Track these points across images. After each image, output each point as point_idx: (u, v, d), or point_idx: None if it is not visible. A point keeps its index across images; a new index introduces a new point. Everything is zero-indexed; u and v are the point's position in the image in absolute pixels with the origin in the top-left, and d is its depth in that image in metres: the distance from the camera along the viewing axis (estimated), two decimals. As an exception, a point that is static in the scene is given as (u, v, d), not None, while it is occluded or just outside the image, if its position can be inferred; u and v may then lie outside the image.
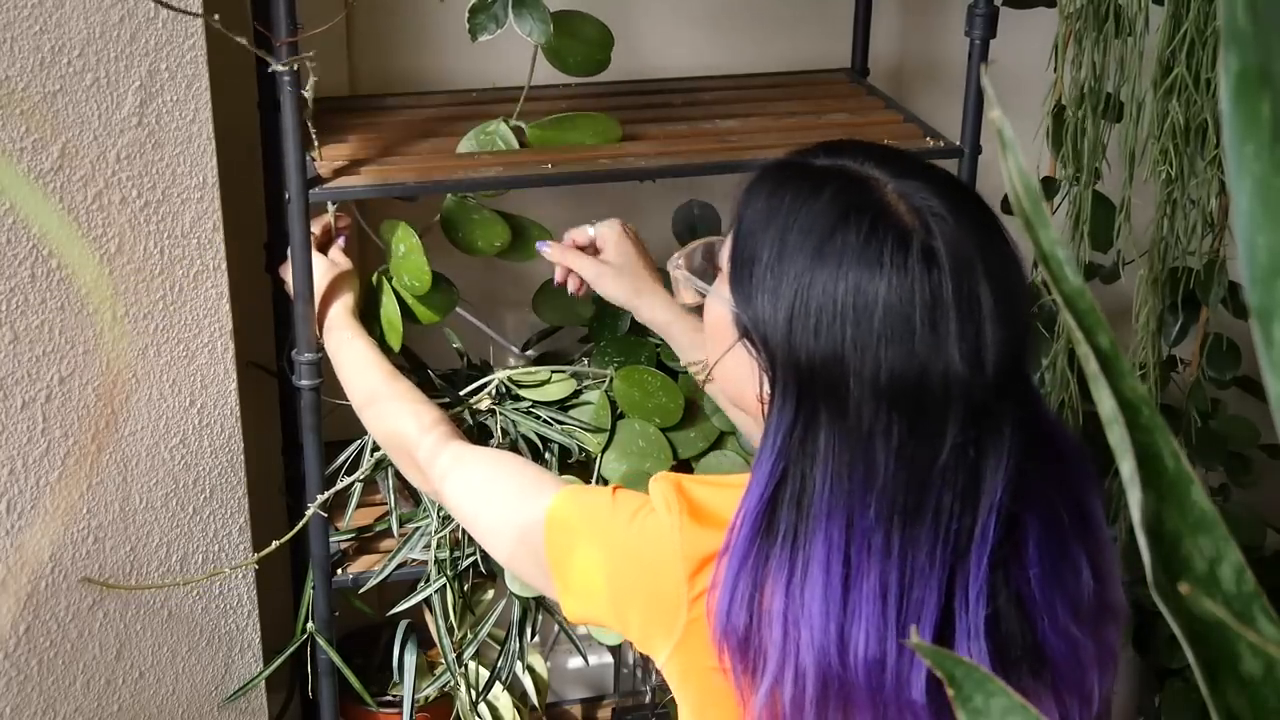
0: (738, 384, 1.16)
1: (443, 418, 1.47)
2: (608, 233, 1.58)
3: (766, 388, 1.10)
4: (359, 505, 1.70)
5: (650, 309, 1.55)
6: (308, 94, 1.47)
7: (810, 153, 1.15)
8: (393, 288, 1.63)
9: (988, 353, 1.04)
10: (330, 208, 1.65)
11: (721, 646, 1.08)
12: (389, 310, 1.62)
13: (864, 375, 1.03)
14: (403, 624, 1.75)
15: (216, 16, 1.39)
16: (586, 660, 1.99)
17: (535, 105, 1.75)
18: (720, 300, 1.15)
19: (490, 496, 1.33)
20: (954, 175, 1.12)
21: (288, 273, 1.57)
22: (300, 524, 1.61)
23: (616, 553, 1.17)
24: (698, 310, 1.24)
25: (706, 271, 1.22)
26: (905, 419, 1.04)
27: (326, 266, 1.59)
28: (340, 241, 1.66)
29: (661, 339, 1.61)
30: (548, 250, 1.59)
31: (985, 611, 1.05)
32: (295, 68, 1.44)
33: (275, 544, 1.63)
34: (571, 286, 1.60)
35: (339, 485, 1.65)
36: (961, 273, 1.04)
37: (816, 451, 1.06)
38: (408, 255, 1.61)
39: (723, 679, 1.10)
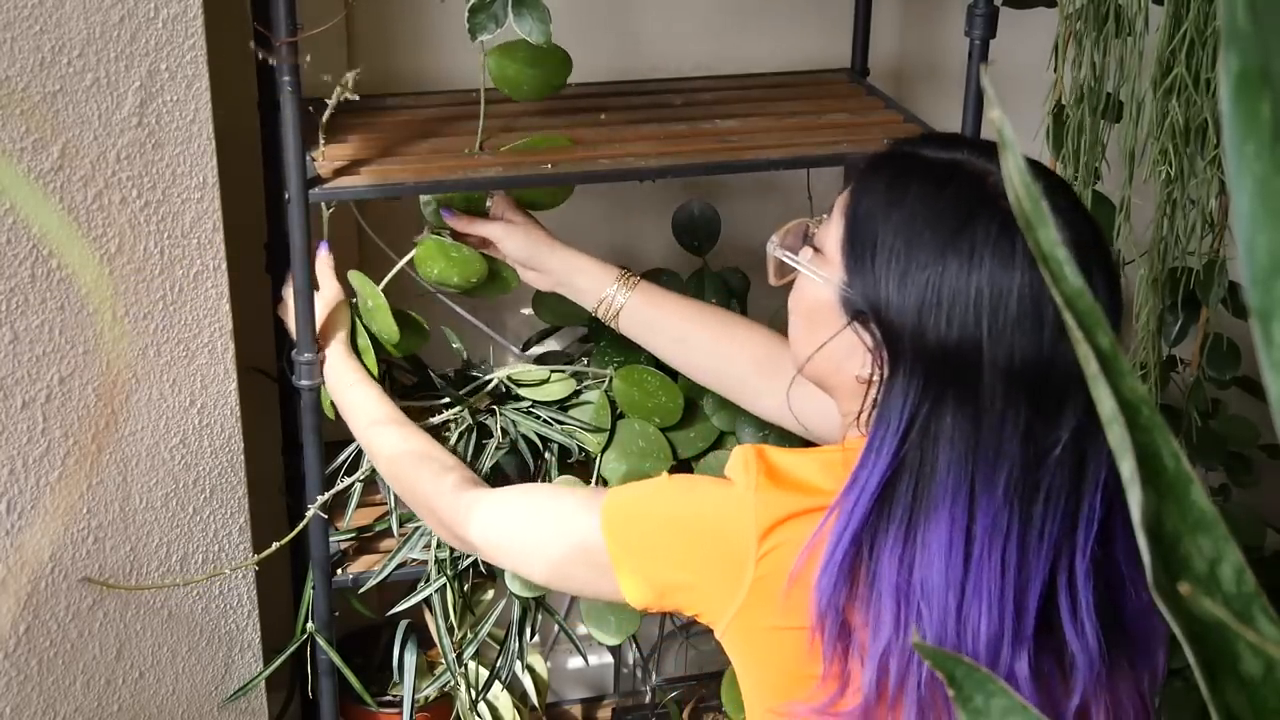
0: (834, 364, 1.19)
1: (458, 463, 1.48)
2: (503, 200, 1.65)
3: (869, 369, 1.15)
4: (359, 505, 1.70)
5: (559, 258, 1.60)
6: (330, 102, 1.48)
7: (919, 143, 1.20)
8: (363, 324, 1.63)
9: None
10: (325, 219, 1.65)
11: (821, 620, 1.11)
12: (362, 342, 1.62)
13: (997, 362, 1.08)
14: (403, 624, 1.75)
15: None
16: (586, 660, 1.99)
17: (536, 105, 1.75)
18: (826, 282, 1.18)
19: (530, 517, 1.34)
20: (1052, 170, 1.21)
21: (288, 315, 1.59)
22: (301, 525, 1.61)
23: (679, 523, 1.20)
24: (784, 289, 1.28)
25: (798, 248, 1.25)
26: (1031, 403, 1.09)
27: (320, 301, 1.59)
28: (322, 251, 1.64)
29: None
30: (450, 217, 1.64)
31: (1092, 587, 1.10)
32: (297, 68, 1.44)
33: (276, 545, 1.63)
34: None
35: (339, 485, 1.65)
36: (1083, 266, 1.09)
37: (941, 433, 1.10)
38: (376, 310, 1.61)
39: (785, 637, 1.13)
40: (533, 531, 1.32)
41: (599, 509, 1.24)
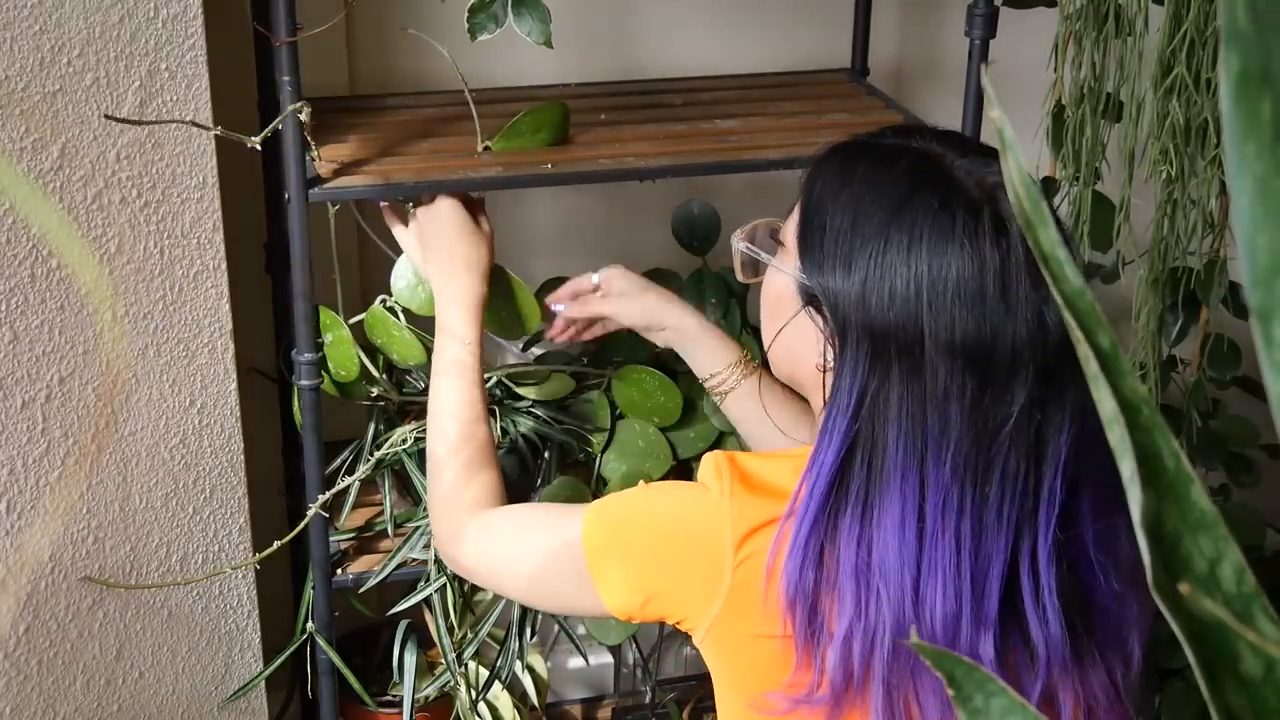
0: (795, 354, 1.21)
1: (493, 485, 1.40)
2: (612, 272, 1.61)
3: (829, 356, 1.16)
4: (361, 505, 1.70)
5: (676, 316, 1.57)
6: (304, 118, 1.46)
7: (878, 134, 1.22)
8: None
9: (1052, 318, 1.09)
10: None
11: (791, 606, 1.11)
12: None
13: (939, 337, 1.09)
14: (403, 624, 1.75)
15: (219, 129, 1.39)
16: (587, 660, 1.99)
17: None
18: (784, 272, 1.20)
19: (511, 531, 1.33)
20: None
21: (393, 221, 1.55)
22: (301, 525, 1.61)
23: (657, 529, 1.20)
24: (756, 289, 1.30)
25: (769, 248, 1.27)
26: (977, 379, 1.09)
27: (472, 235, 1.50)
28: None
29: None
30: (562, 308, 1.60)
31: (1055, 571, 1.10)
32: (297, 68, 1.44)
33: (277, 544, 1.63)
34: (567, 335, 1.62)
35: (339, 485, 1.65)
36: (1028, 243, 1.09)
37: (889, 410, 1.10)
38: (335, 345, 1.59)
39: (762, 645, 1.13)
40: (514, 544, 1.31)
41: (580, 519, 1.24)
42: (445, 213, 1.51)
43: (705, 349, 1.57)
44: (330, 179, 1.54)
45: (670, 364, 1.76)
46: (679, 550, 1.17)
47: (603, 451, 1.72)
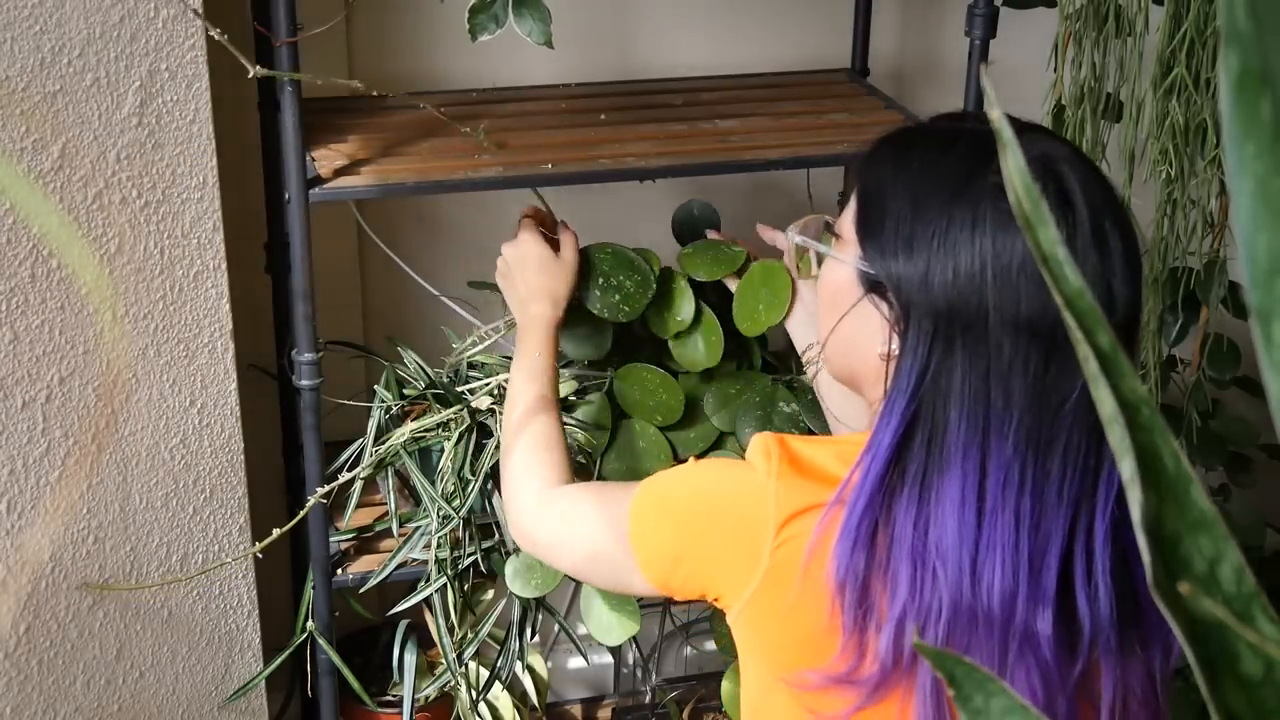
0: (855, 344, 1.20)
1: (564, 469, 1.43)
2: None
3: (893, 343, 1.14)
4: (360, 505, 1.70)
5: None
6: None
7: (929, 122, 1.23)
8: None
9: (1119, 292, 1.09)
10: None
11: (840, 589, 1.10)
12: None
13: (1005, 312, 1.08)
14: (403, 624, 1.75)
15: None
16: (587, 660, 1.99)
17: (536, 105, 1.75)
18: (844, 264, 1.19)
19: (575, 507, 1.34)
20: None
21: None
22: (302, 513, 1.61)
23: (698, 498, 1.21)
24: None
25: (824, 241, 1.26)
26: (1042, 353, 1.08)
27: (548, 260, 1.55)
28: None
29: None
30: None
31: (1110, 551, 1.10)
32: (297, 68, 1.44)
33: (276, 532, 1.61)
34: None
35: (341, 479, 1.64)
36: (1094, 215, 1.10)
37: (951, 388, 1.10)
38: None
39: (797, 626, 1.13)
40: (570, 524, 1.33)
41: (632, 491, 1.25)
42: (526, 247, 1.55)
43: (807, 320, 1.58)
44: (330, 179, 1.54)
45: (669, 364, 1.75)
46: (717, 522, 1.18)
47: (603, 452, 1.72)
